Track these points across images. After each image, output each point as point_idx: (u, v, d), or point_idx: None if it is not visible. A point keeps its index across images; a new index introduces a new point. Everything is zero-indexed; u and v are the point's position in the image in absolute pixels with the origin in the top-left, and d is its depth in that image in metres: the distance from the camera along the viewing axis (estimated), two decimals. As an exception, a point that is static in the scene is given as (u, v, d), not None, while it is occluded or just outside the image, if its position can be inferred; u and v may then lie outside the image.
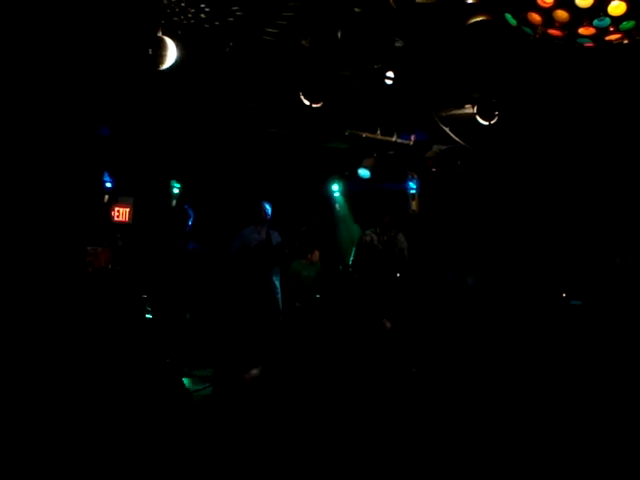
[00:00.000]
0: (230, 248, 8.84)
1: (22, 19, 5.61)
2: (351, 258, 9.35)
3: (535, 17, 4.08)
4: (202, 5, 5.49)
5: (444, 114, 8.10)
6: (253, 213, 8.78)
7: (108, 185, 9.78)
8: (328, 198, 12.29)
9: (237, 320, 8.62)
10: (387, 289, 8.92)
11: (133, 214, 10.28)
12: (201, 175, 10.88)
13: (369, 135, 9.09)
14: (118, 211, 10.19)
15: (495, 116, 7.38)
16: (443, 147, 9.56)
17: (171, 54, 5.80)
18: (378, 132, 9.02)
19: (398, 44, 6.21)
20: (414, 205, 11.04)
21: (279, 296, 8.91)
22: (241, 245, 8.71)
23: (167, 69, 5.90)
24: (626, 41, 4.21)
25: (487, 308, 9.26)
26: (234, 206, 10.76)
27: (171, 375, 6.94)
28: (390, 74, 6.78)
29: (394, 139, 9.20)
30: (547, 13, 3.98)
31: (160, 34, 5.77)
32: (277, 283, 8.94)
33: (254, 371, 6.89)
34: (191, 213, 8.57)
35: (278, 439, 5.26)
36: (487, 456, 5.00)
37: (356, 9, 5.61)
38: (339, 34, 6.04)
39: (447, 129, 8.37)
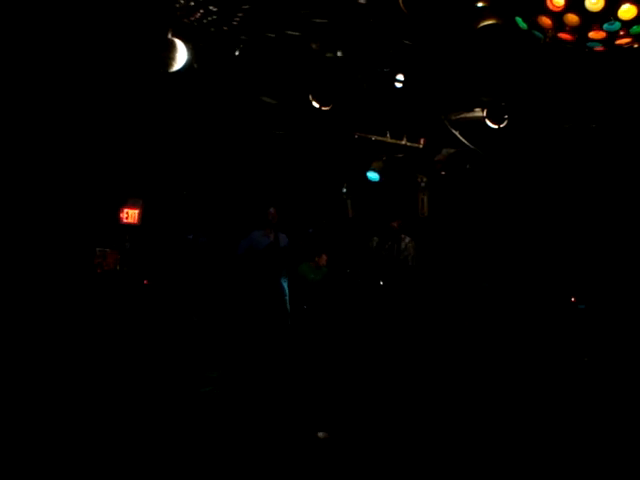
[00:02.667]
0: (237, 248, 8.87)
1: (34, 23, 5.63)
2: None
3: (545, 21, 4.06)
4: (212, 8, 5.50)
5: (454, 117, 8.08)
6: (261, 216, 8.82)
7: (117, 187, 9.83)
8: (337, 201, 12.27)
9: (245, 322, 8.63)
10: (392, 293, 8.92)
11: (142, 216, 10.30)
12: (210, 177, 10.90)
13: (378, 138, 9.08)
14: (127, 213, 10.21)
15: (505, 120, 7.35)
16: (452, 150, 9.54)
17: (181, 56, 5.81)
18: (387, 135, 9.01)
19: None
20: (423, 208, 11.02)
21: (287, 298, 8.91)
22: (249, 247, 8.74)
23: (177, 71, 5.91)
24: (636, 45, 4.20)
25: (498, 311, 9.24)
26: (241, 208, 10.79)
27: (177, 376, 6.95)
28: (400, 77, 6.77)
29: (403, 142, 9.19)
30: (558, 17, 3.97)
31: (170, 36, 5.78)
32: (285, 286, 8.95)
33: None
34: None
35: (282, 441, 5.26)
36: (497, 455, 5.00)
37: (367, 12, 5.61)
38: (350, 38, 6.05)
39: (457, 132, 8.36)
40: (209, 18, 5.63)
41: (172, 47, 5.75)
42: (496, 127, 7.43)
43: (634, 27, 3.93)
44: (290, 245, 8.97)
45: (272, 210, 8.81)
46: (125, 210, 10.21)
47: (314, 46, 6.26)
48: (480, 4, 5.18)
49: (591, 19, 3.89)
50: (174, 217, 10.26)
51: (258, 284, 8.71)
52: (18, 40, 5.84)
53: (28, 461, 4.45)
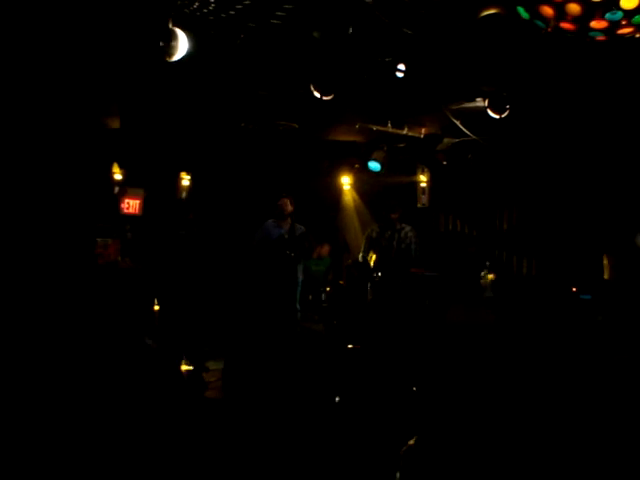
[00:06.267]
0: (253, 239, 8.83)
1: (32, 11, 5.62)
2: (361, 254, 9.42)
3: (547, 10, 4.05)
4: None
5: (455, 107, 8.07)
6: (273, 208, 8.75)
7: (118, 177, 9.82)
8: (339, 191, 12.28)
9: (251, 311, 8.61)
10: (391, 283, 8.90)
11: (143, 206, 10.31)
12: (212, 167, 10.90)
13: (380, 128, 9.07)
14: (128, 203, 10.23)
15: (506, 109, 7.33)
16: (454, 140, 9.53)
17: (182, 46, 5.79)
18: (389, 125, 8.99)
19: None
20: (424, 199, 11.03)
21: (299, 290, 8.82)
22: (262, 238, 8.70)
23: (178, 61, 5.89)
24: (638, 35, 4.19)
25: (500, 302, 9.23)
26: (249, 199, 10.81)
27: (180, 370, 6.96)
28: (401, 67, 6.75)
29: (405, 132, 9.17)
30: (559, 6, 3.96)
31: (171, 25, 5.76)
32: (299, 277, 8.86)
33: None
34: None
35: (285, 437, 5.27)
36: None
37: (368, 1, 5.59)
38: (351, 26, 6.03)
39: (458, 122, 8.35)
40: (209, 7, 5.62)
41: (173, 36, 5.73)
42: (498, 117, 7.41)
43: (636, 17, 3.93)
44: (304, 236, 8.80)
45: (281, 201, 8.71)
46: (126, 200, 10.22)
47: (315, 35, 6.23)
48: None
49: (593, 8, 3.88)
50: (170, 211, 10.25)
51: (267, 276, 8.65)
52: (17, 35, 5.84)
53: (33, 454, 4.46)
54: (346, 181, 11.98)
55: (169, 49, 5.77)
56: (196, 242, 8.88)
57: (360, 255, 9.44)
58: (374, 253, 9.10)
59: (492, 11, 5.21)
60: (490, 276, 9.64)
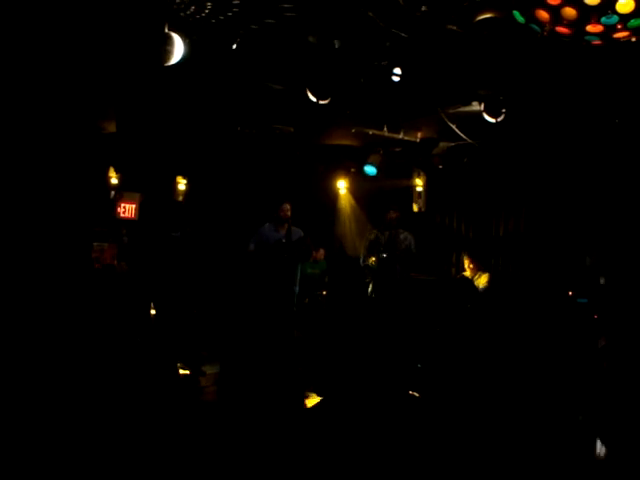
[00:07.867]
0: (248, 245, 8.74)
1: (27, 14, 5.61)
2: (361, 258, 9.43)
3: (543, 14, 4.06)
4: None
5: (451, 111, 8.07)
6: (272, 212, 8.69)
7: (114, 181, 9.82)
8: (335, 195, 12.29)
9: (248, 315, 8.58)
10: (390, 286, 8.89)
11: (139, 210, 10.31)
12: (208, 171, 10.91)
13: (376, 132, 9.07)
14: (124, 207, 10.23)
15: (502, 113, 7.34)
16: (450, 144, 9.54)
17: (178, 50, 5.80)
18: (385, 129, 8.99)
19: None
20: (420, 203, 11.03)
21: (296, 291, 8.77)
22: (259, 242, 8.63)
23: (174, 65, 5.89)
24: (634, 39, 4.20)
25: (495, 306, 9.22)
26: (246, 203, 10.80)
27: (177, 372, 6.95)
28: (397, 71, 6.75)
29: (401, 136, 9.17)
30: (555, 10, 3.97)
31: (167, 30, 5.76)
32: (297, 280, 8.81)
33: None
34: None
35: (282, 438, 5.26)
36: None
37: (363, 4, 5.59)
38: (346, 31, 6.04)
39: (454, 126, 8.35)
40: (205, 11, 5.62)
41: (169, 41, 5.73)
42: (494, 121, 7.41)
43: (632, 20, 3.93)
44: (302, 239, 8.72)
45: (284, 205, 8.63)
46: (122, 204, 10.22)
47: (311, 39, 6.24)
48: (478, -3, 5.18)
49: (589, 13, 3.89)
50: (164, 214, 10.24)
51: (265, 280, 8.60)
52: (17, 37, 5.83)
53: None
54: (342, 185, 11.99)
55: (165, 53, 5.77)
56: (192, 246, 8.84)
57: (361, 260, 9.46)
58: (373, 257, 9.11)
59: (488, 15, 5.22)
60: (484, 279, 9.63)
